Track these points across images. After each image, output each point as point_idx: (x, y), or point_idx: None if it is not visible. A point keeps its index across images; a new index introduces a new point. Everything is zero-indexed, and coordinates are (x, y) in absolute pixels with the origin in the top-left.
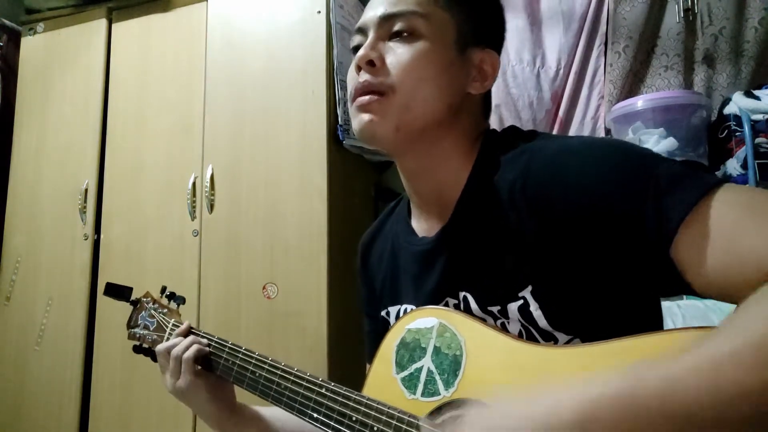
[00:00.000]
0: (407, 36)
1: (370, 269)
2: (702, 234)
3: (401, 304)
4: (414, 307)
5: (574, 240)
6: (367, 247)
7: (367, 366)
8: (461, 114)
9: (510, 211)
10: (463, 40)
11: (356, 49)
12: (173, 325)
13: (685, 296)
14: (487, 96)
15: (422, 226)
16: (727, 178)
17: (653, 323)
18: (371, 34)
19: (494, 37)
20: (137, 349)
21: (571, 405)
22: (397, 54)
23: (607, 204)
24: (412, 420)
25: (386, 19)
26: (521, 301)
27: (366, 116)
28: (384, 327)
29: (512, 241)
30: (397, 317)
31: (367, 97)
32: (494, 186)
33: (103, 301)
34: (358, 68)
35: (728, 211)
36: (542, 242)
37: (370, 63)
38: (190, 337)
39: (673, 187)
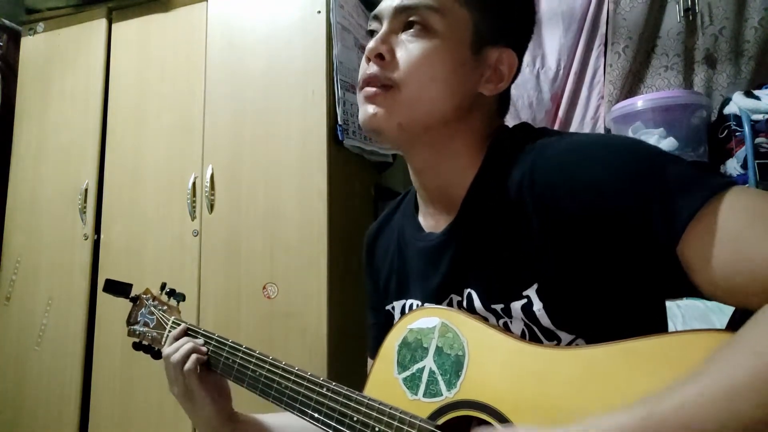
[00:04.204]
0: (420, 30)
1: (376, 263)
2: (709, 235)
3: (406, 299)
4: (419, 303)
5: (581, 238)
6: (373, 240)
7: (369, 361)
8: (472, 114)
9: (517, 208)
10: (479, 39)
11: (372, 33)
12: (173, 322)
13: (685, 297)
14: (503, 94)
15: (429, 221)
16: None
17: (657, 324)
18: (385, 25)
19: (516, 36)
20: (137, 346)
21: None
22: (407, 49)
23: (614, 202)
24: (413, 421)
25: (401, 11)
26: (525, 300)
27: (371, 108)
28: (388, 322)
29: (519, 238)
30: (402, 312)
31: (372, 89)
32: (501, 183)
33: (103, 301)
34: (368, 59)
35: (737, 214)
36: (549, 240)
37: (379, 56)
38: (189, 345)
39: (683, 188)
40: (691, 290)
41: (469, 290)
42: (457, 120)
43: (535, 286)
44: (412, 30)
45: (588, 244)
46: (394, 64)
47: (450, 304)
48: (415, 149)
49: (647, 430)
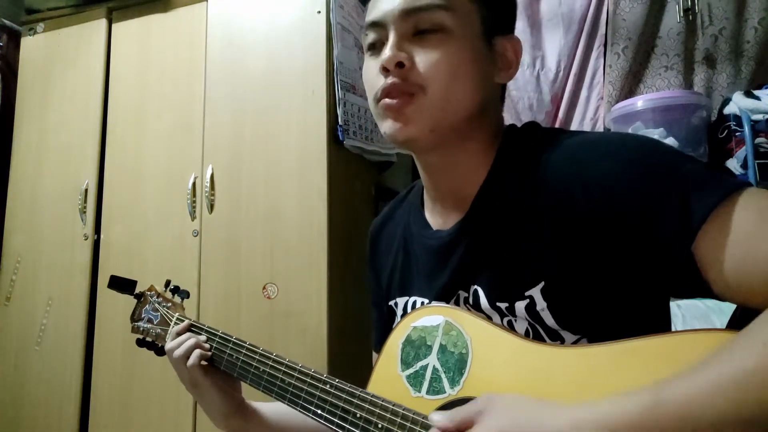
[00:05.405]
0: (434, 32)
1: (379, 258)
2: (723, 234)
3: (410, 296)
4: (425, 301)
5: (593, 236)
6: (377, 234)
7: (374, 355)
8: (488, 106)
9: (528, 206)
10: (488, 30)
11: (372, 46)
12: (177, 318)
13: (693, 297)
14: (502, 84)
15: (436, 219)
16: None
17: (661, 324)
18: (392, 32)
19: (512, 23)
20: (140, 343)
21: (591, 427)
22: (426, 52)
23: (628, 198)
24: (416, 418)
25: (408, 14)
26: (527, 300)
27: (397, 123)
28: (390, 317)
29: (526, 238)
30: (405, 309)
31: (395, 100)
32: (513, 182)
33: (103, 301)
34: (385, 70)
35: (751, 214)
36: (559, 237)
37: (400, 65)
38: (191, 340)
39: (698, 186)
40: (701, 290)
41: (475, 287)
42: (478, 114)
43: (541, 285)
44: (426, 32)
45: (599, 240)
46: (415, 71)
47: (457, 301)
48: (437, 150)
49: (652, 415)
